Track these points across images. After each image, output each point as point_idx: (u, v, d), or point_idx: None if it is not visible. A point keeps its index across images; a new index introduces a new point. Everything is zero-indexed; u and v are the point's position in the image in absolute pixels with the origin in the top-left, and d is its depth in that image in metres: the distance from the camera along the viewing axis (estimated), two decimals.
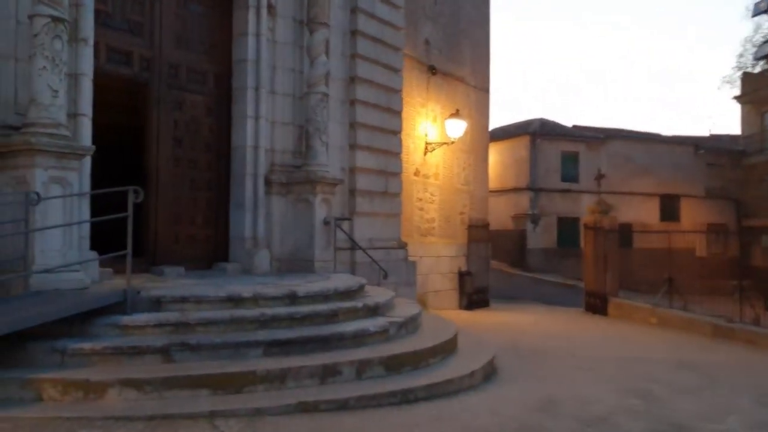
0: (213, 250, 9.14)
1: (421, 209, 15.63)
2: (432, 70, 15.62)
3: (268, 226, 9.30)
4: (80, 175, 6.83)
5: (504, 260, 30.23)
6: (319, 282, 7.64)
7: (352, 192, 10.64)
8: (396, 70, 11.61)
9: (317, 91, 9.33)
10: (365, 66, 10.84)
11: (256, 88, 9.21)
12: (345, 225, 10.29)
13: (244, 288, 6.66)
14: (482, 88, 18.13)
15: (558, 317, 15.82)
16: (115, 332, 5.62)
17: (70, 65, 6.93)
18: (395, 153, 11.64)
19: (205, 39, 9.03)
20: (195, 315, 5.89)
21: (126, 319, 5.67)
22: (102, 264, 7.38)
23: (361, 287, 7.83)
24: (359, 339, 6.34)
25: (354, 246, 10.38)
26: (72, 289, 6.09)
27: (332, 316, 6.58)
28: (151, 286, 6.69)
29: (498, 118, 59.74)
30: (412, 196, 15.24)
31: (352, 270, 10.38)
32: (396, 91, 11.62)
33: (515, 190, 31.32)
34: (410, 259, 13.41)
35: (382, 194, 11.28)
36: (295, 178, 9.31)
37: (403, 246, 11.87)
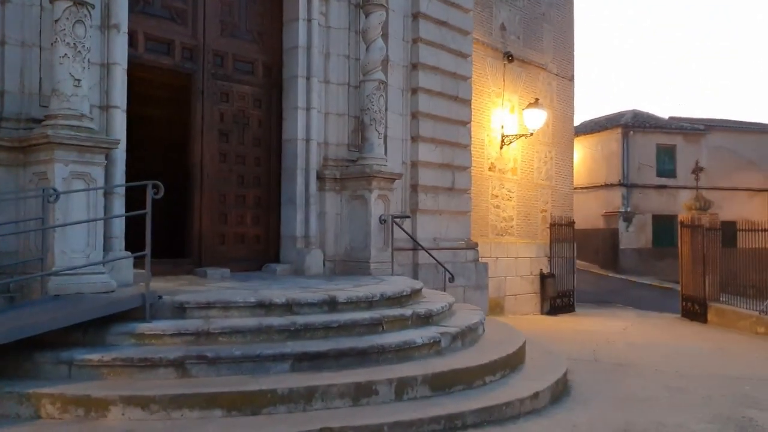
0: (263, 250, 8.61)
1: (497, 207, 14.64)
2: (508, 57, 14.59)
3: (321, 225, 8.68)
4: (110, 170, 6.45)
5: (594, 261, 28.55)
6: (367, 286, 6.91)
7: (414, 188, 9.86)
8: (464, 56, 10.73)
9: (373, 78, 8.62)
10: (429, 51, 10.03)
11: (307, 77, 8.60)
12: (406, 224, 9.53)
13: (279, 292, 6.02)
14: (565, 75, 16.88)
15: (650, 324, 14.40)
16: (129, 341, 5.10)
17: (102, 54, 6.56)
18: (463, 145, 10.76)
19: (253, 26, 8.50)
20: (219, 323, 5.30)
21: (142, 327, 5.14)
22: (139, 265, 6.97)
23: (415, 292, 7.04)
24: (403, 352, 5.56)
25: (416, 246, 9.61)
26: (94, 293, 5.66)
27: (375, 326, 5.83)
28: (184, 289, 6.21)
29: (586, 110, 57.02)
30: (487, 193, 14.28)
31: (414, 272, 9.61)
32: (464, 78, 10.74)
33: (606, 186, 29.50)
34: (482, 260, 12.52)
35: (448, 190, 10.43)
36: (350, 172, 8.64)
37: (472, 246, 10.98)
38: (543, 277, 15.95)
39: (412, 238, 9.42)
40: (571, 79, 17.20)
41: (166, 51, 7.59)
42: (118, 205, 6.61)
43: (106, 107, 6.56)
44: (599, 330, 12.83)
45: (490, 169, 14.33)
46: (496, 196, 14.59)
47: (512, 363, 6.25)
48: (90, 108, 6.04)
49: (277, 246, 8.66)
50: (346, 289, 6.47)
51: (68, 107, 5.73)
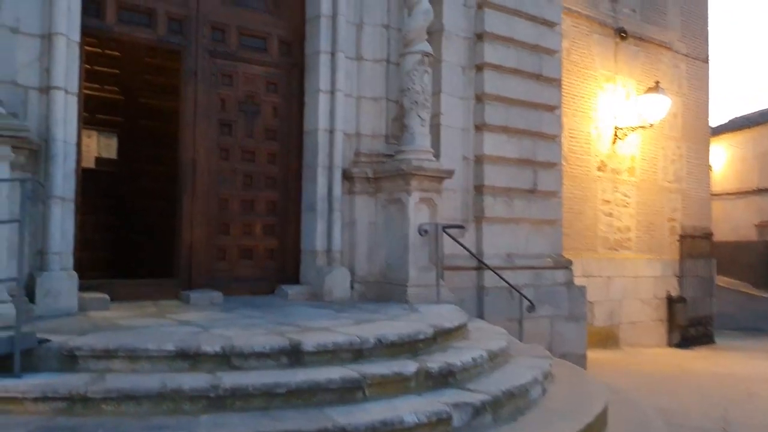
0: (278, 268, 6.94)
1: (610, 215, 12.08)
2: (621, 34, 12.04)
3: (350, 237, 6.88)
4: (48, 169, 5.08)
5: (744, 279, 24.42)
6: (375, 322, 5.02)
7: (479, 189, 7.79)
8: (549, 24, 8.51)
9: (415, 50, 6.72)
10: (499, 18, 7.95)
11: (332, 53, 6.86)
12: (469, 236, 7.54)
13: (216, 335, 4.28)
14: (697, 56, 13.91)
15: None
16: None
17: (42, 24, 5.20)
18: (549, 136, 8.52)
19: None
20: (109, 383, 3.63)
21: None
22: (94, 288, 5.54)
23: (445, 332, 5.02)
24: None
25: (480, 265, 7.54)
26: None
27: (349, 391, 3.91)
28: (123, 324, 4.68)
29: (730, 104, 50.40)
30: (596, 198, 11.81)
31: (478, 299, 7.56)
32: (549, 52, 8.52)
33: (759, 191, 25.24)
34: (590, 279, 10.23)
35: (528, 192, 8.25)
36: (384, 170, 6.78)
37: (564, 265, 8.68)
38: (671, 301, 13.11)
39: (472, 254, 7.37)
40: (706, 60, 14.18)
41: (147, 22, 6.15)
42: (60, 214, 5.19)
43: (46, 89, 5.18)
44: (744, 372, 9.97)
45: (599, 168, 11.85)
46: (608, 202, 12.05)
47: None
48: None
49: (296, 263, 6.96)
50: (333, 329, 4.62)
51: None
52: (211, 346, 3.94)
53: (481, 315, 7.52)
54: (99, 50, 7.44)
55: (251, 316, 5.25)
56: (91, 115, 7.40)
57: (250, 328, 4.57)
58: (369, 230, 6.93)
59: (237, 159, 6.66)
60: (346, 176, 6.86)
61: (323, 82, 6.81)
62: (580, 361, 8.58)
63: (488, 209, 7.77)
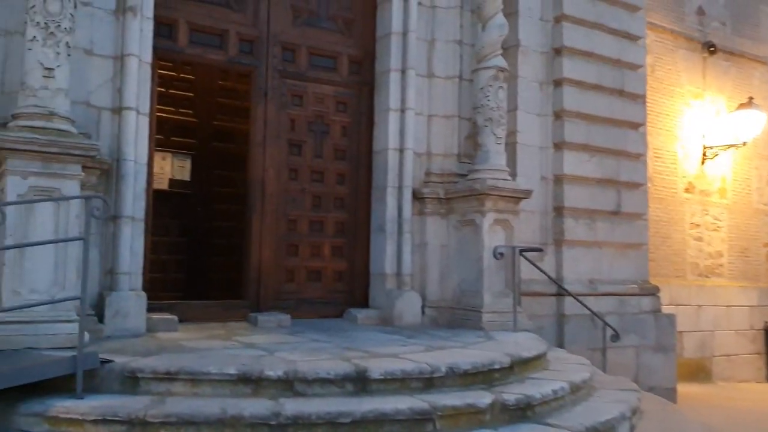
0: (347, 291, 6.74)
1: (699, 239, 11.32)
2: (709, 49, 11.37)
3: (419, 259, 6.63)
4: (119, 187, 5.09)
5: None
6: (447, 350, 4.73)
7: (559, 211, 7.39)
8: (632, 38, 8.08)
9: (489, 66, 6.46)
10: (578, 32, 7.59)
11: (402, 70, 6.69)
12: (548, 260, 7.17)
13: (279, 359, 4.09)
14: None
15: None
16: (41, 427, 3.50)
17: (115, 45, 5.27)
18: (634, 155, 8.04)
19: (337, 11, 6.82)
20: (169, 407, 3.50)
21: (59, 407, 3.51)
22: (163, 309, 5.51)
23: (523, 362, 4.68)
24: None
25: (560, 291, 7.11)
26: (51, 349, 4.17)
27: (419, 423, 3.63)
28: (188, 345, 4.59)
29: None
30: (684, 221, 11.09)
31: (558, 327, 7.14)
32: (633, 67, 8.08)
33: None
34: (678, 307, 9.58)
35: (612, 215, 7.77)
36: (457, 190, 6.51)
37: (650, 291, 8.11)
38: None
39: (552, 279, 6.96)
40: None
41: (218, 44, 6.16)
42: (130, 234, 5.18)
43: (118, 109, 5.22)
44: None
45: (686, 190, 11.14)
46: (697, 225, 11.30)
47: None
48: (71, 105, 4.67)
49: (365, 286, 6.75)
50: (402, 356, 4.35)
51: (34, 104, 4.41)
52: (273, 370, 3.76)
53: (561, 344, 7.08)
54: (174, 74, 7.57)
55: (318, 340, 5.06)
56: (166, 138, 7.50)
57: (315, 353, 4.37)
58: (440, 253, 6.65)
59: (306, 179, 6.55)
60: (417, 197, 6.63)
61: (393, 101, 6.64)
62: (670, 395, 7.97)
63: (569, 232, 7.35)
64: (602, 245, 7.68)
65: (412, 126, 6.64)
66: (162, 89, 7.54)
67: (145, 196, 5.35)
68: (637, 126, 8.09)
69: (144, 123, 5.35)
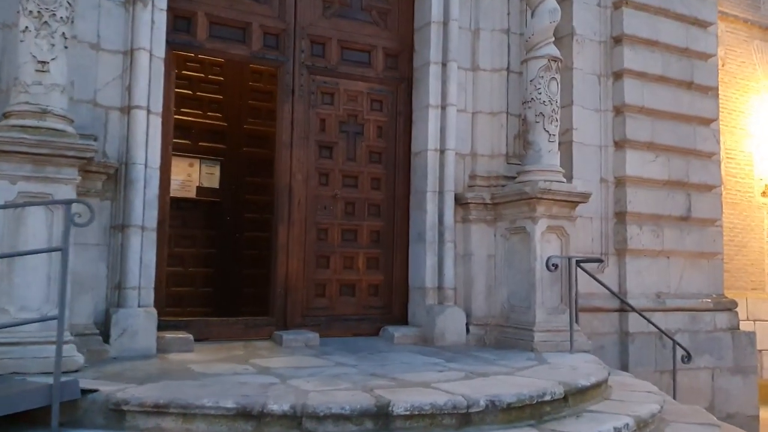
0: (384, 306, 6.13)
1: None
2: None
3: (463, 271, 5.98)
4: (127, 194, 4.65)
5: None
6: (492, 377, 4.06)
7: (620, 217, 6.62)
8: (702, 25, 7.26)
9: (539, 55, 5.79)
10: (640, 18, 6.83)
11: (443, 63, 6.08)
12: (609, 272, 6.44)
13: (291, 389, 3.50)
14: None
15: None
16: None
17: (125, 39, 4.84)
18: (705, 154, 7.20)
19: (371, 1, 6.26)
20: None
21: None
22: (180, 327, 5.04)
23: (579, 390, 3.98)
24: None
25: (623, 306, 6.34)
26: (41, 373, 3.70)
27: None
28: (196, 370, 4.08)
29: None
30: (761, 228, 10.15)
31: (622, 347, 6.40)
32: (703, 57, 7.26)
33: None
34: (756, 323, 8.62)
35: (681, 220, 6.95)
36: (505, 194, 5.84)
37: (726, 306, 7.22)
38: None
39: (614, 293, 6.20)
40: None
41: (240, 38, 5.68)
42: (140, 245, 4.72)
43: (127, 108, 4.78)
44: None
45: (764, 194, 10.18)
46: None
47: None
48: (74, 104, 4.31)
49: (404, 301, 6.14)
50: (435, 385, 3.71)
51: (26, 101, 3.99)
52: (279, 404, 3.17)
53: (624, 366, 6.32)
54: (202, 75, 7.16)
55: (344, 364, 4.46)
56: (194, 143, 7.09)
57: (335, 381, 3.77)
58: (487, 264, 5.98)
59: (337, 184, 5.99)
60: (460, 202, 5.99)
61: (433, 97, 6.03)
62: (752, 424, 7.11)
63: (632, 240, 6.56)
64: (670, 255, 6.85)
65: (454, 124, 6.01)
66: (189, 92, 7.17)
67: (158, 203, 4.87)
68: (708, 122, 7.25)
69: (156, 123, 4.88)
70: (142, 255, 4.74)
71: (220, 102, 7.30)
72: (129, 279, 4.66)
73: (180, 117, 7.01)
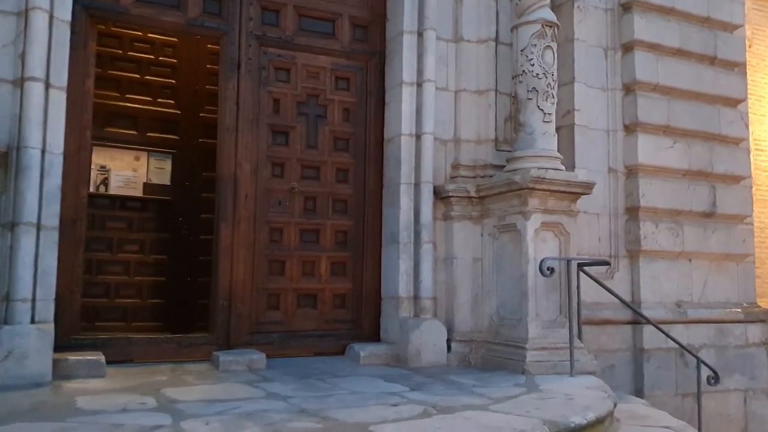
0: (352, 320, 5.20)
1: None
2: None
3: (445, 278, 5.06)
4: (18, 185, 3.79)
5: None
6: (464, 412, 3.10)
7: (632, 212, 5.65)
8: None
9: (532, 20, 4.86)
10: None
11: (419, 33, 5.17)
12: (619, 278, 5.44)
13: None
14: None
15: None
16: None
17: None
18: (732, 140, 6.21)
19: None
20: None
21: None
22: (96, 346, 4.17)
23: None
24: None
25: (637, 318, 5.35)
26: None
27: None
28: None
29: None
30: None
31: (636, 366, 5.40)
32: (728, 27, 6.28)
33: None
34: None
35: (704, 217, 5.95)
36: (491, 185, 4.90)
37: (760, 317, 6.18)
38: None
39: (625, 302, 5.20)
40: None
41: (174, 3, 4.80)
42: (33, 247, 3.84)
43: (20, 81, 3.91)
44: None
45: None
46: None
47: None
48: None
49: (376, 313, 5.21)
50: (376, 428, 2.76)
51: None
52: None
53: (639, 389, 5.34)
54: (151, 57, 6.31)
55: (277, 395, 3.53)
56: (141, 134, 6.22)
57: (242, 423, 2.84)
58: (473, 269, 5.03)
59: (295, 176, 5.08)
60: (440, 196, 5.06)
61: (407, 72, 5.12)
62: None
63: (647, 239, 5.57)
64: (692, 257, 5.85)
65: (432, 104, 5.10)
66: (136, 75, 6.31)
67: (60, 197, 3.99)
68: (735, 102, 6.26)
69: (59, 100, 4.01)
70: (39, 260, 3.86)
71: (173, 87, 6.44)
72: (18, 289, 3.77)
73: (125, 104, 6.23)
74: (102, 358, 4.06)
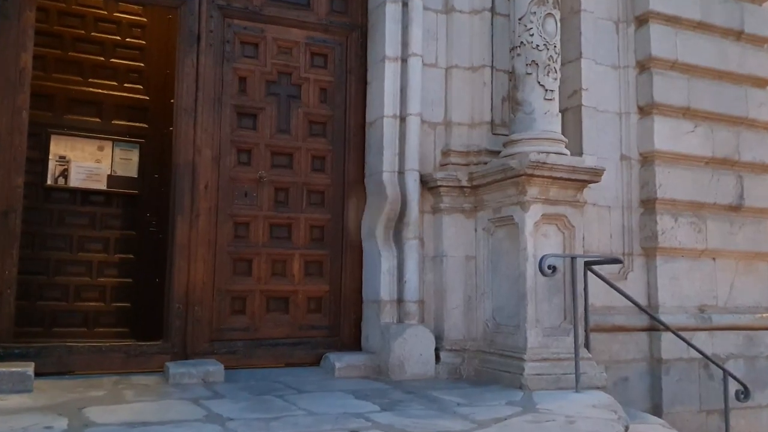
0: (330, 326, 4.61)
1: None
2: None
3: (433, 278, 4.47)
4: None
5: None
6: None
7: (648, 204, 5.02)
8: None
9: None
10: None
11: (404, 2, 4.59)
12: (633, 279, 4.82)
13: None
14: None
15: None
16: None
17: None
18: (762, 124, 5.57)
19: None
20: None
21: None
22: (31, 356, 3.62)
23: None
24: None
25: (654, 324, 4.71)
26: None
27: None
28: None
29: None
30: None
31: (653, 378, 4.79)
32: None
33: None
34: None
35: (730, 210, 5.31)
36: (485, 173, 4.30)
37: None
38: None
39: (640, 306, 4.57)
40: None
41: None
42: None
43: None
44: None
45: None
46: None
47: None
48: None
49: (357, 319, 4.61)
50: None
51: None
52: None
53: (657, 406, 4.72)
54: (117, 38, 5.78)
55: (218, 417, 2.95)
56: (105, 122, 5.69)
57: None
58: (465, 269, 4.43)
59: (264, 164, 4.50)
60: (428, 185, 4.47)
61: (390, 46, 4.53)
62: None
63: (665, 236, 4.93)
64: (717, 255, 5.21)
65: (419, 81, 4.51)
66: (101, 58, 5.79)
67: None
68: (765, 83, 5.62)
69: None
70: None
71: (141, 71, 5.91)
72: None
73: (87, 89, 5.71)
74: (29, 369, 3.50)
